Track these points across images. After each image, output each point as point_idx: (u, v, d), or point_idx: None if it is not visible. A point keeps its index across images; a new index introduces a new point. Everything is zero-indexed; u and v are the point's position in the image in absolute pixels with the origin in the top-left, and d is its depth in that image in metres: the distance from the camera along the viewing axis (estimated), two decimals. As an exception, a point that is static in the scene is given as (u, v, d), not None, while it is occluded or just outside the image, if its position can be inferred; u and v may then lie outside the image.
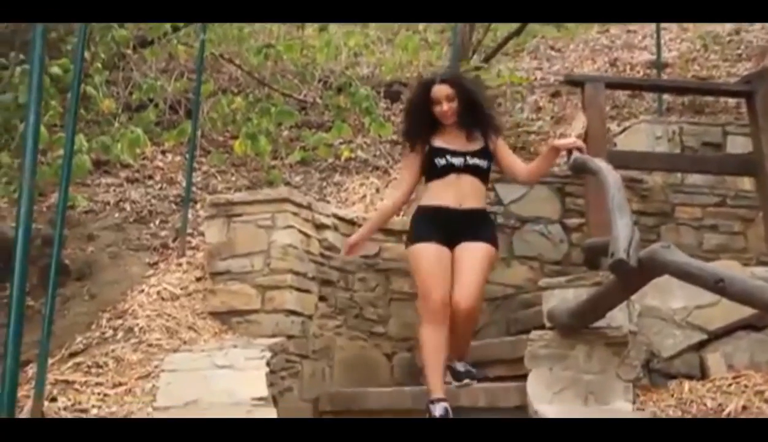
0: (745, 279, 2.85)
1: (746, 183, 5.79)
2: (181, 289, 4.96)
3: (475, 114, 4.09)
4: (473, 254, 3.97)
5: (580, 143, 4.03)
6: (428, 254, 3.94)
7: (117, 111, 6.96)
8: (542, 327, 4.25)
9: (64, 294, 4.91)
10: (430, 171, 4.09)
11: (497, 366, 4.77)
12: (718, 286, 2.86)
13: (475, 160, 4.05)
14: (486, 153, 4.11)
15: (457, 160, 4.03)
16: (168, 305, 4.80)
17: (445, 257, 3.97)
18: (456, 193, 4.01)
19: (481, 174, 4.08)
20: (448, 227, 3.98)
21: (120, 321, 4.59)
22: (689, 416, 3.82)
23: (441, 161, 4.03)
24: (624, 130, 6.41)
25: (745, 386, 3.98)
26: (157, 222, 5.82)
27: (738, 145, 5.99)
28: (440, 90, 4.06)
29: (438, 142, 4.10)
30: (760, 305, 2.86)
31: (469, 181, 4.03)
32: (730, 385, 4.04)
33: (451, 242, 3.99)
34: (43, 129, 4.92)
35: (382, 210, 4.47)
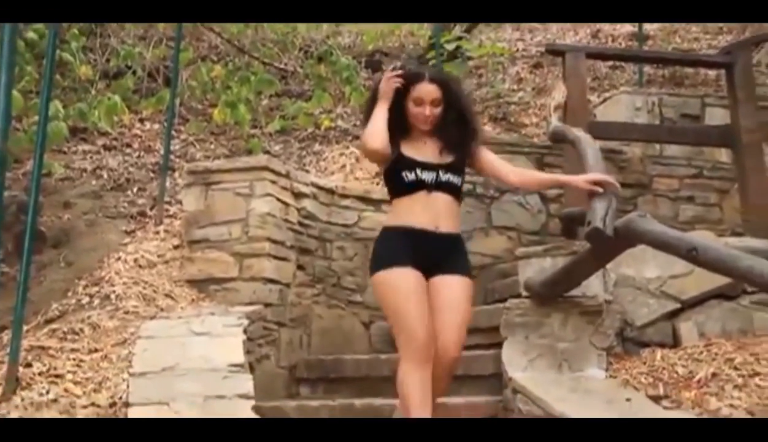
0: (718, 248, 2.87)
1: (723, 155, 5.83)
2: (159, 256, 4.95)
3: (459, 126, 3.39)
4: (455, 292, 3.29)
5: (601, 178, 3.37)
6: (406, 281, 3.19)
7: (94, 78, 6.90)
8: (519, 296, 4.28)
9: (41, 261, 4.88)
10: (396, 185, 3.34)
11: (474, 335, 4.77)
12: (691, 255, 2.88)
13: (449, 176, 3.34)
14: (459, 168, 3.39)
15: (428, 176, 3.30)
16: (145, 272, 4.78)
17: (423, 286, 3.25)
18: (429, 213, 3.29)
19: (454, 192, 3.37)
20: (423, 253, 3.24)
21: (96, 288, 4.57)
22: (660, 383, 3.88)
23: (410, 175, 3.29)
24: (604, 101, 6.42)
25: (716, 354, 4.04)
26: (135, 190, 5.79)
27: (716, 116, 6.02)
28: (427, 90, 3.33)
29: (406, 150, 3.35)
30: (732, 273, 2.89)
31: (442, 200, 3.31)
32: (701, 353, 4.10)
33: (425, 269, 3.26)
34: (17, 94, 4.88)
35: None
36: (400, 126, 3.36)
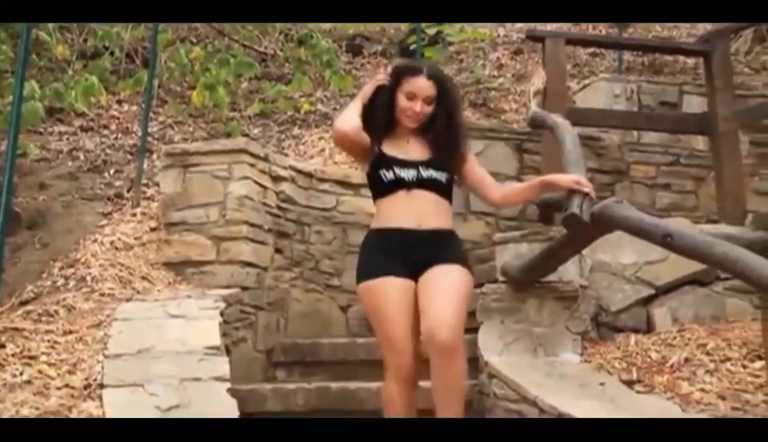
0: (693, 234, 2.90)
1: (700, 143, 5.87)
2: (135, 239, 4.92)
3: (447, 129, 3.19)
4: (446, 277, 3.03)
5: (583, 182, 3.17)
6: (388, 291, 2.99)
7: (71, 58, 6.83)
8: (496, 281, 4.30)
9: (15, 242, 4.84)
10: (376, 185, 3.18)
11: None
12: (666, 241, 2.90)
13: (431, 172, 3.13)
14: (444, 164, 3.18)
15: (407, 174, 3.11)
16: (121, 254, 4.76)
17: (409, 293, 3.03)
18: (411, 211, 3.09)
19: (439, 189, 3.15)
20: (407, 254, 3.05)
21: (72, 270, 4.54)
22: (634, 368, 3.92)
23: (388, 175, 3.11)
24: (583, 87, 6.45)
25: (689, 339, 4.09)
26: (112, 172, 5.74)
27: (694, 104, 6.06)
28: (423, 86, 3.14)
29: (387, 149, 3.17)
30: (707, 260, 2.92)
31: (425, 198, 3.10)
32: (674, 338, 4.15)
33: (413, 272, 3.06)
34: (-9, 74, 4.82)
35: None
36: (384, 120, 3.17)
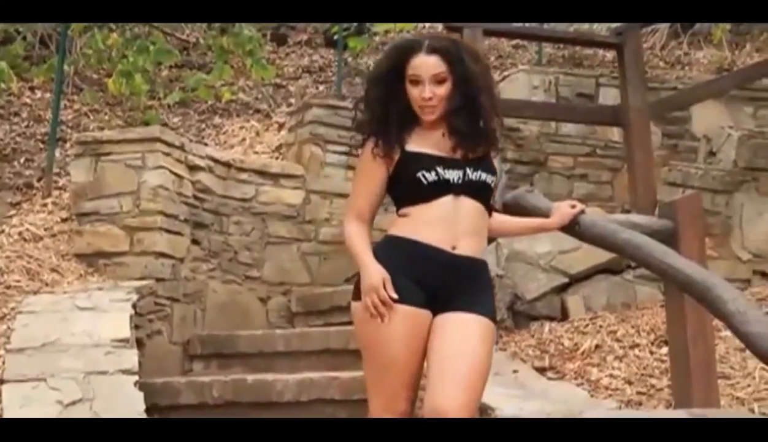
0: (600, 222, 2.95)
1: (615, 134, 5.99)
2: (45, 230, 4.78)
3: (477, 113, 2.49)
4: (467, 335, 2.37)
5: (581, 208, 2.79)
6: (398, 323, 2.36)
7: (-21, 43, 6.58)
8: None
9: None
10: (408, 189, 2.46)
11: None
12: (575, 229, 2.95)
13: (480, 174, 2.48)
14: (490, 163, 2.54)
15: (453, 175, 2.45)
16: (30, 246, 4.61)
17: (423, 329, 2.40)
18: (450, 227, 2.43)
19: (486, 196, 2.52)
20: (432, 280, 2.40)
21: (-24, 262, 4.38)
22: (546, 355, 3.99)
23: (429, 176, 2.43)
24: (503, 79, 6.51)
25: (600, 327, 4.19)
26: (22, 161, 5.56)
27: (610, 96, 6.18)
28: (426, 64, 2.45)
29: (415, 145, 2.49)
30: (612, 247, 2.98)
31: (470, 208, 2.46)
32: (586, 325, 4.24)
33: (430, 301, 2.41)
34: None
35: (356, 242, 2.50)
36: (403, 117, 2.50)
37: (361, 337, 2.43)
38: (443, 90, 2.44)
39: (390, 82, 2.48)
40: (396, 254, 2.41)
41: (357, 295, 2.40)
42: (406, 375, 2.38)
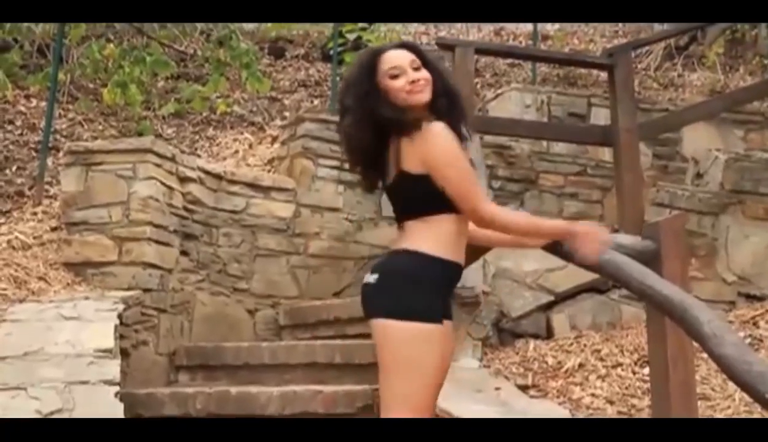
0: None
1: (606, 154, 6.02)
2: (35, 238, 4.79)
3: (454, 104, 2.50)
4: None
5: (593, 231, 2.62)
6: (445, 344, 2.42)
7: (-24, 51, 6.62)
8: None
9: None
10: (438, 198, 2.38)
11: (357, 324, 4.83)
12: (557, 248, 2.97)
13: None
14: None
15: None
16: (18, 254, 4.62)
17: None
18: (463, 239, 2.47)
19: None
20: (443, 296, 2.46)
21: (-37, 270, 4.39)
22: (530, 373, 4.00)
23: None
24: (496, 97, 6.55)
25: (584, 345, 4.20)
26: (14, 169, 5.58)
27: (601, 116, 6.21)
28: (400, 55, 2.46)
29: None
30: (593, 268, 2.99)
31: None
32: (571, 344, 4.25)
33: None
34: None
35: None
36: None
37: (415, 354, 2.32)
38: (425, 73, 2.43)
39: (372, 99, 2.42)
40: (441, 277, 2.41)
41: (413, 315, 2.33)
42: (438, 390, 2.45)
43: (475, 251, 3.79)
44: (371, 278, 2.42)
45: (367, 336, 4.54)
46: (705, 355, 3.69)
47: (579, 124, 6.21)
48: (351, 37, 8.12)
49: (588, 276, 4.44)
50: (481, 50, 5.37)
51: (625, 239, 4.51)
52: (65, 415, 3.10)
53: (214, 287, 5.18)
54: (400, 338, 2.33)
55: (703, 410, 3.43)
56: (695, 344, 3.30)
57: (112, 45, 7.06)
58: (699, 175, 5.24)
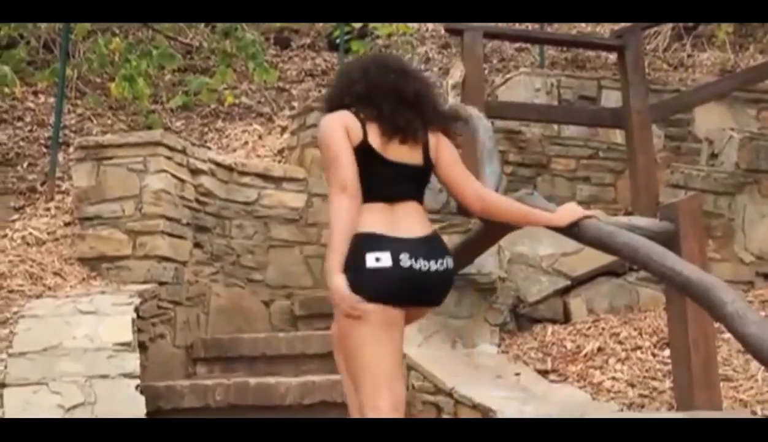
0: (599, 225, 2.94)
1: (618, 136, 5.98)
2: (48, 234, 4.79)
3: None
4: None
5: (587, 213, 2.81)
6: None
7: (-18, 48, 6.61)
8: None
9: None
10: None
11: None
12: (573, 231, 2.95)
13: None
14: None
15: None
16: (33, 250, 4.63)
17: None
18: None
19: None
20: None
21: (-21, 267, 4.39)
22: (549, 358, 3.98)
23: None
24: (506, 81, 6.51)
25: (603, 329, 4.17)
26: (25, 165, 5.58)
27: (612, 99, 6.17)
28: None
29: None
30: (610, 249, 2.97)
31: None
32: (589, 328, 4.23)
33: None
34: None
35: None
36: None
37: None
38: None
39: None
40: None
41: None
42: None
43: (491, 237, 3.78)
44: (448, 261, 2.59)
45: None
46: (726, 336, 3.69)
47: (590, 107, 6.16)
48: (357, 25, 8.09)
49: (604, 259, 4.42)
50: (491, 34, 5.32)
51: (641, 221, 4.50)
52: (87, 409, 3.11)
53: (229, 278, 5.18)
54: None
55: (725, 391, 3.41)
56: (716, 325, 3.30)
57: (117, 39, 7.03)
58: (713, 156, 5.20)
